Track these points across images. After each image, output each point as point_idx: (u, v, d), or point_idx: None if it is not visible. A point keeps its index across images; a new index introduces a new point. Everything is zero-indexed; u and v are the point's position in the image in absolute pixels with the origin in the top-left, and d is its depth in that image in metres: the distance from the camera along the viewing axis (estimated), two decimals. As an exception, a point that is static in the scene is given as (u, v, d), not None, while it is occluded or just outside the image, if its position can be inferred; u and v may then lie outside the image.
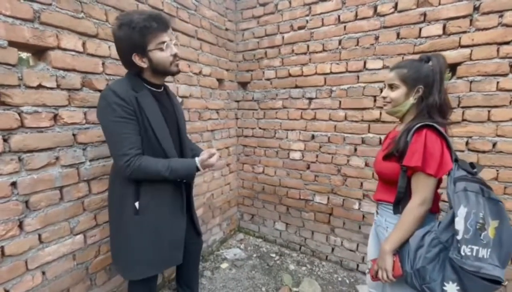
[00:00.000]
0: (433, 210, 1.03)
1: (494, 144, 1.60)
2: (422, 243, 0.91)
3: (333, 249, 2.28)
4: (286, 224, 2.51)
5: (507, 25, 1.50)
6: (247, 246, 2.58)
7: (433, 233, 0.90)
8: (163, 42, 1.07)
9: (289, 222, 2.48)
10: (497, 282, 0.79)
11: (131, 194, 1.13)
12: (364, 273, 2.08)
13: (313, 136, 2.25)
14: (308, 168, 2.30)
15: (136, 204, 1.13)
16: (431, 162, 0.93)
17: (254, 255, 2.41)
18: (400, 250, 0.99)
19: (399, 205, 1.04)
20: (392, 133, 1.19)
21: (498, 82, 1.55)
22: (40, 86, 1.16)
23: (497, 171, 1.60)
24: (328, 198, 2.23)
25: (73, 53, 1.27)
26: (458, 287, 0.83)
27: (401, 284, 1.00)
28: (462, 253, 0.81)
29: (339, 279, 2.10)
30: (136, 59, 1.08)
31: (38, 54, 1.21)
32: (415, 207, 0.97)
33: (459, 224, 0.82)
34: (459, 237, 0.81)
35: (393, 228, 1.05)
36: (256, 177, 2.63)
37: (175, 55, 1.12)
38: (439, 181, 1.00)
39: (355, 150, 2.07)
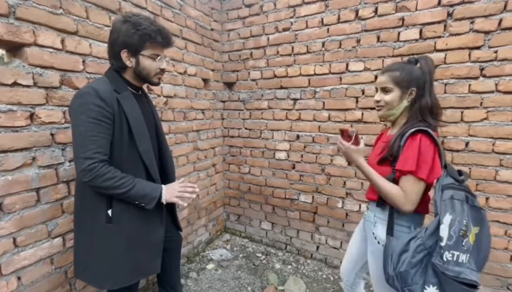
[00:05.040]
0: (422, 210, 1.04)
1: (466, 144, 1.69)
2: (407, 248, 0.94)
3: (317, 247, 2.32)
4: (272, 223, 2.53)
5: (477, 31, 1.59)
6: (233, 246, 2.57)
7: (419, 239, 0.93)
8: (158, 55, 1.11)
9: (275, 221, 2.51)
10: (474, 286, 0.82)
11: (103, 201, 1.07)
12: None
13: (298, 137, 2.29)
14: (293, 167, 2.33)
15: (109, 211, 1.08)
16: (423, 167, 0.95)
17: (240, 255, 2.42)
18: (384, 251, 1.01)
19: (385, 201, 1.07)
20: (384, 136, 1.19)
21: (470, 85, 1.65)
22: (15, 84, 1.12)
23: (470, 168, 1.70)
24: (313, 197, 2.27)
25: (51, 50, 1.23)
26: (437, 290, 0.87)
27: (386, 286, 1.03)
28: (444, 259, 0.84)
29: (324, 276, 2.14)
30: (124, 56, 1.07)
31: (13, 51, 1.16)
32: (399, 198, 0.98)
33: (444, 231, 0.85)
34: (442, 244, 0.85)
35: (381, 223, 1.09)
36: (242, 177, 2.63)
37: (162, 70, 1.15)
38: (429, 185, 1.02)
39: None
